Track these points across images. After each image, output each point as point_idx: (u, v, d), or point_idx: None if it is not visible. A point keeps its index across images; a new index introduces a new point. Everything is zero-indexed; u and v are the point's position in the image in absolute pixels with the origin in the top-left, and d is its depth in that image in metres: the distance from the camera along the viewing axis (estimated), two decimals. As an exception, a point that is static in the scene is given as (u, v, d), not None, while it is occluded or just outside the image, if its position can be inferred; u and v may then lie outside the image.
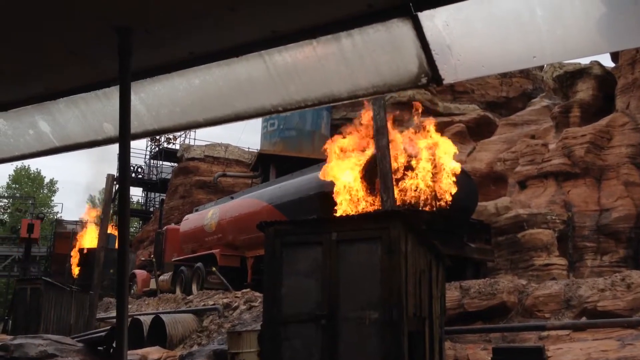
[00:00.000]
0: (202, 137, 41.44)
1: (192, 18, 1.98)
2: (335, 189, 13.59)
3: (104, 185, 28.68)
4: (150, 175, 37.30)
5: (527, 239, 15.71)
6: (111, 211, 25.24)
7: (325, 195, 14.23)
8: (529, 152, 19.12)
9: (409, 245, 5.94)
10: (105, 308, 20.69)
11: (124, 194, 2.21)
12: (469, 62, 2.09)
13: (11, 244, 34.30)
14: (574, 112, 19.56)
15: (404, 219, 5.99)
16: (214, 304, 14.27)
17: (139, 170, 36.65)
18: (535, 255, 15.47)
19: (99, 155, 47.48)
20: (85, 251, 28.50)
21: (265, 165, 25.93)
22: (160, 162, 37.39)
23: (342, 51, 2.10)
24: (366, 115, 13.98)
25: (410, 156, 13.56)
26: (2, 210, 43.11)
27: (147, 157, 37.51)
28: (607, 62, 20.69)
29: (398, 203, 12.60)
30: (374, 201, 12.87)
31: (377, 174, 11.97)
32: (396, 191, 12.58)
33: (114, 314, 17.91)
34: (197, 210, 22.43)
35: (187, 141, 35.81)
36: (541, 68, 24.58)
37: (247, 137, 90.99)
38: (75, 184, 76.09)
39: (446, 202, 13.23)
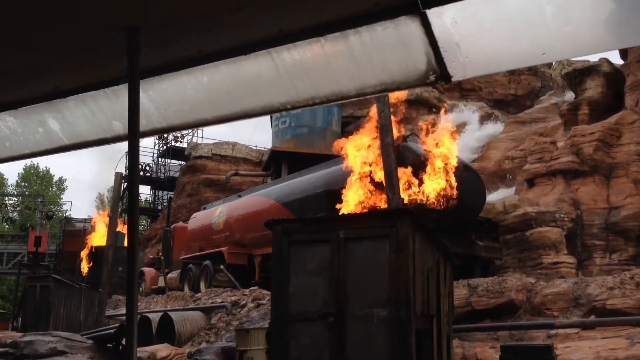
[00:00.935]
0: (210, 135, 41.42)
1: (199, 16, 1.98)
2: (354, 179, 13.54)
3: (111, 184, 28.90)
4: (158, 174, 37.43)
5: (535, 237, 15.64)
6: (120, 209, 25.38)
7: (332, 193, 14.23)
8: (537, 149, 19.04)
9: (417, 243, 5.94)
10: (114, 305, 20.80)
11: (133, 191, 2.22)
12: (478, 59, 2.08)
13: (20, 242, 34.51)
14: (582, 109, 19.46)
15: (412, 217, 5.99)
16: (222, 302, 14.31)
17: (147, 168, 36.78)
18: (543, 254, 15.41)
19: (106, 154, 47.76)
20: (94, 249, 28.66)
21: (277, 163, 25.96)
22: (168, 161, 37.53)
23: (350, 49, 2.10)
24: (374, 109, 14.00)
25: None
26: (11, 208, 43.35)
27: (155, 155, 37.67)
28: (616, 59, 20.57)
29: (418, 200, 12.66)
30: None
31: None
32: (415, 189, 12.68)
33: (123, 311, 17.99)
34: (204, 209, 22.49)
35: (194, 139, 35.93)
36: (550, 65, 24.49)
37: (256, 135, 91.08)
38: (82, 182, 76.54)
39: (454, 200, 13.19)
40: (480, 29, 2.01)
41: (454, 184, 13.24)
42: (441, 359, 6.82)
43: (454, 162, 13.81)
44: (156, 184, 37.70)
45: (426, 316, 6.30)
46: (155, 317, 13.65)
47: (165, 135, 34.92)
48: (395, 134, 12.58)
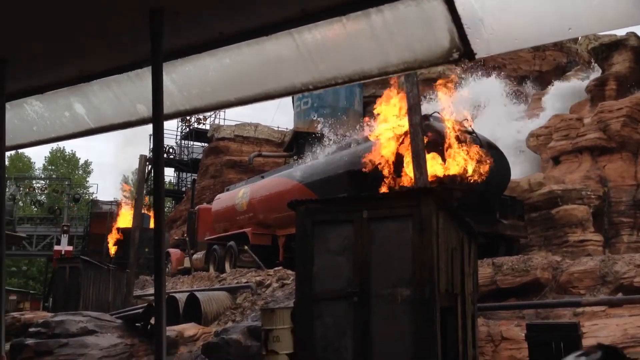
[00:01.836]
0: (232, 117, 41.55)
1: (221, -2, 1.98)
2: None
3: (136, 166, 29.19)
4: (182, 156, 37.71)
5: (561, 215, 15.47)
6: (144, 191, 25.67)
7: (354, 173, 14.21)
8: (563, 126, 18.74)
9: (441, 222, 5.91)
10: (141, 286, 21.16)
11: (158, 174, 2.24)
12: (502, 35, 2.05)
13: (49, 224, 35.19)
14: (609, 85, 19.06)
15: (436, 196, 5.96)
16: (247, 282, 14.47)
17: (171, 150, 37.07)
18: (569, 232, 15.25)
19: (128, 137, 48.13)
20: (120, 231, 29.14)
21: (299, 144, 25.98)
22: (191, 143, 37.74)
23: (372, 27, 2.08)
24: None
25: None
26: (39, 192, 44.13)
27: (178, 137, 37.90)
28: (644, 32, 20.04)
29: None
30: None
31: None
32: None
33: (150, 291, 18.32)
34: (228, 190, 22.65)
35: (217, 121, 36.06)
36: (575, 40, 23.94)
37: (277, 117, 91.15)
38: (106, 165, 77.51)
39: (479, 179, 13.09)
40: (505, 4, 1.97)
41: (478, 162, 13.12)
42: (466, 337, 6.83)
43: (476, 140, 13.68)
44: (180, 166, 38.02)
45: (450, 295, 6.30)
46: (182, 297, 13.86)
47: (188, 118, 35.10)
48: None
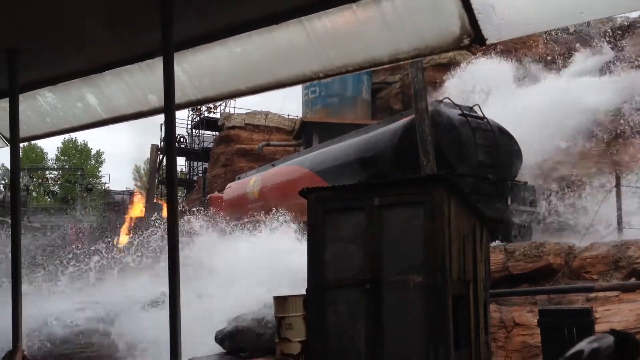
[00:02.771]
0: (242, 105, 41.60)
1: (231, -14, 1.98)
2: None
3: (147, 156, 29.34)
4: (193, 145, 37.81)
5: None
6: (156, 181, 25.80)
7: (365, 160, 14.19)
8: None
9: (452, 208, 5.90)
10: (154, 275, 21.28)
11: (170, 163, 2.26)
12: (513, 20, 2.03)
13: (62, 215, 35.51)
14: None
15: (446, 183, 5.94)
16: (259, 270, 14.50)
17: (182, 139, 37.17)
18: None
19: (139, 127, 48.29)
20: (133, 220, 29.35)
21: (308, 133, 25.95)
22: (202, 132, 37.81)
23: (382, 14, 2.08)
24: None
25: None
26: (52, 182, 44.47)
27: (189, 126, 37.99)
28: (658, 14, 19.77)
29: None
30: None
31: None
32: None
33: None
34: (239, 179, 22.71)
35: (227, 110, 36.07)
36: (588, 23, 23.64)
37: (287, 104, 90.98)
38: (118, 155, 77.88)
39: (490, 164, 13.03)
40: (516, -12, 1.96)
41: (488, 147, 13.06)
42: (478, 324, 6.83)
43: (487, 126, 13.60)
44: (191, 155, 38.12)
45: (463, 281, 6.29)
46: (194, 285, 13.94)
47: (198, 107, 35.13)
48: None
